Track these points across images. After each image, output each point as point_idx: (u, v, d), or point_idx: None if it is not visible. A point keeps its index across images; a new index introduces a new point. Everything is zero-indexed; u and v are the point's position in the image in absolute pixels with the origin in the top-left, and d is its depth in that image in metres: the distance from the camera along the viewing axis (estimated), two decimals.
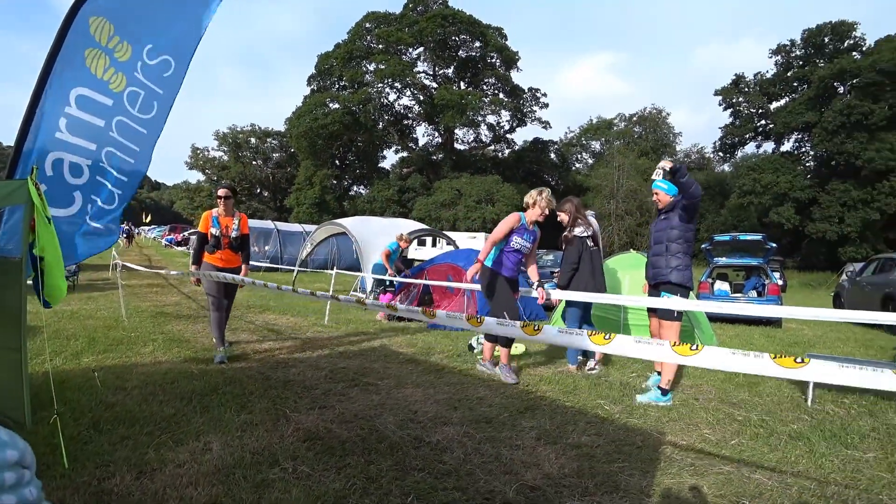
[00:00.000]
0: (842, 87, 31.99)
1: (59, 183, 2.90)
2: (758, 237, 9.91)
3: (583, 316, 4.73)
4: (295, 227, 21.27)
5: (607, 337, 1.22)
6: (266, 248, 18.44)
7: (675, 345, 1.11)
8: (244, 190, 49.53)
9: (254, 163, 52.62)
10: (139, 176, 3.34)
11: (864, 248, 28.06)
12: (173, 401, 3.25)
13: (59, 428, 2.33)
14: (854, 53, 32.58)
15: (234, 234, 4.63)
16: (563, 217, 4.74)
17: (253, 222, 21.25)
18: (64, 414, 2.77)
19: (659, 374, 4.15)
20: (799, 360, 1.02)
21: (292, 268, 12.93)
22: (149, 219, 43.24)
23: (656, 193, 4.09)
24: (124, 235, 26.99)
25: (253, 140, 52.31)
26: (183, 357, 4.51)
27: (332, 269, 9.50)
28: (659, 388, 3.78)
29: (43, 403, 2.81)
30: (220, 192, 4.68)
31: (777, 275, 11.80)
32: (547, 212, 4.37)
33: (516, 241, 4.29)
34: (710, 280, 9.82)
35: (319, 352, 5.07)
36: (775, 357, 1.03)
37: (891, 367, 3.68)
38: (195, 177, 54.37)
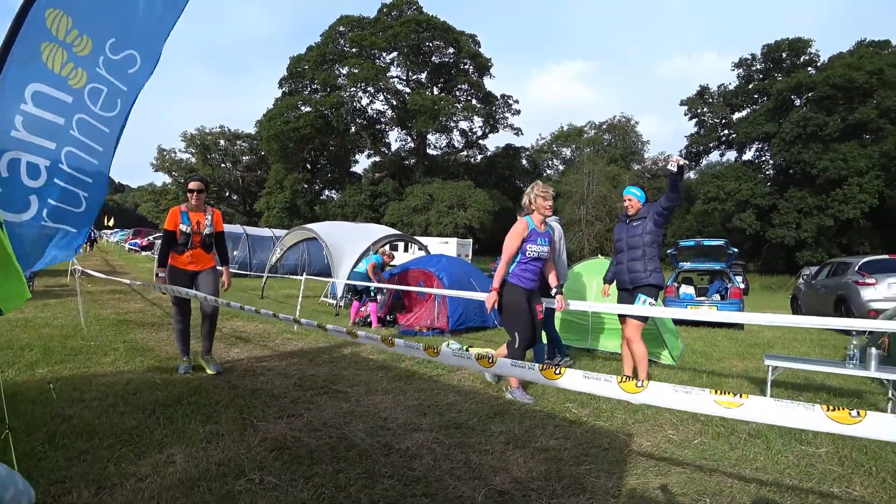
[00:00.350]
0: (798, 100, 33.59)
1: (14, 185, 2.77)
2: (721, 242, 10.29)
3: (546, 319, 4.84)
4: (265, 231, 20.91)
5: (557, 371, 1.31)
6: (235, 253, 18.04)
7: (621, 381, 1.20)
8: (212, 193, 48.37)
9: (222, 165, 51.50)
10: (104, 176, 3.21)
11: (820, 253, 29.41)
12: (135, 412, 3.15)
13: (11, 443, 2.23)
14: (809, 68, 34.29)
15: (206, 231, 4.23)
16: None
17: (238, 230, 20.79)
18: (17, 429, 2.65)
19: (627, 377, 4.26)
20: (738, 397, 1.09)
21: (261, 274, 12.70)
22: (111, 222, 41.72)
23: (629, 199, 4.21)
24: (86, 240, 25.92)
25: (222, 142, 51.21)
26: (146, 367, 4.37)
27: (302, 274, 9.33)
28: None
29: None
30: (192, 184, 4.26)
31: (739, 278, 12.24)
32: (550, 201, 3.98)
33: (532, 249, 3.83)
34: (675, 284, 10.12)
35: (288, 359, 4.99)
36: (715, 394, 1.10)
37: (838, 365, 3.82)
38: (161, 179, 52.73)
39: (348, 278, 8.45)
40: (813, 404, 1.15)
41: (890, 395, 3.92)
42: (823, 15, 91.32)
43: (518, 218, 4.09)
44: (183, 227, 4.16)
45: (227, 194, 52.41)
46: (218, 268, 4.45)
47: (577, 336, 6.19)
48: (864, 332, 5.26)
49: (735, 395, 1.12)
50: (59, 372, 4.05)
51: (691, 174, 44.39)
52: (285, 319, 2.93)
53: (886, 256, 9.94)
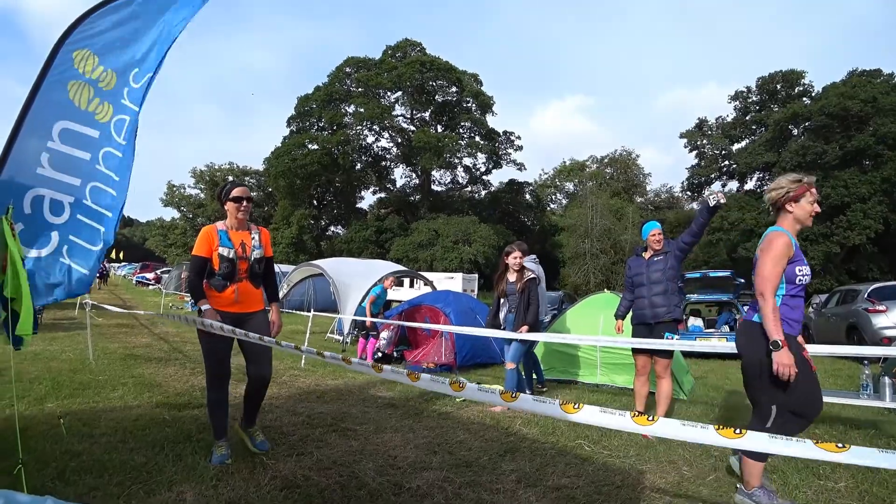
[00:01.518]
0: (796, 130, 34.06)
1: (36, 221, 2.84)
2: (727, 273, 10.27)
3: (526, 351, 5.09)
4: None
5: (576, 406, 1.36)
6: None
7: (634, 416, 1.25)
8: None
9: None
10: (120, 208, 3.21)
11: (828, 281, 29.14)
12: (144, 449, 3.14)
13: (24, 478, 2.23)
14: (804, 99, 34.91)
15: (255, 256, 3.13)
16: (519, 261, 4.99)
17: None
18: (28, 463, 2.65)
19: (639, 412, 4.23)
20: (738, 431, 1.16)
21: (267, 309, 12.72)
22: (121, 255, 42.10)
23: (660, 234, 4.21)
24: (98, 275, 26.08)
25: (230, 178, 52.12)
26: (154, 402, 4.36)
27: (308, 310, 9.35)
28: None
29: (2, 453, 2.69)
30: (237, 190, 3.11)
31: (746, 308, 12.14)
32: (815, 207, 2.76)
33: (803, 273, 2.65)
34: (683, 317, 10.05)
35: (296, 396, 4.97)
36: (719, 429, 1.18)
37: (852, 396, 3.75)
38: (170, 214, 53.44)
39: (356, 314, 8.44)
40: (707, 425, 1.23)
41: None
42: (815, 47, 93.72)
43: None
44: (223, 252, 3.04)
45: None
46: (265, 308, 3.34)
47: (586, 371, 6.13)
48: (878, 361, 5.19)
49: (735, 429, 1.18)
50: (68, 406, 4.06)
51: (693, 205, 44.62)
52: (308, 352, 2.94)
53: (895, 283, 9.88)
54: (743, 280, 10.59)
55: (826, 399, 4.09)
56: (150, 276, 31.33)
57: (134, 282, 32.76)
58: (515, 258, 4.94)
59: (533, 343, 5.02)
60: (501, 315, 5.02)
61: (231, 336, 2.76)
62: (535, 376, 5.52)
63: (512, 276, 4.97)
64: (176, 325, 11.63)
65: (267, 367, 3.23)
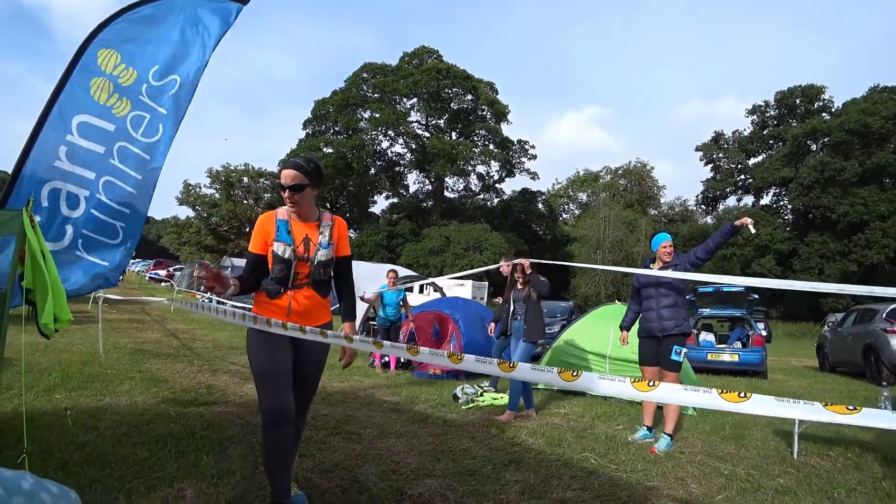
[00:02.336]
0: (814, 145, 33.58)
1: (52, 214, 2.87)
2: (740, 288, 10.09)
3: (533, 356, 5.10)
4: None
5: (574, 373, 1.29)
6: None
7: (634, 381, 1.20)
8: (234, 228, 49.41)
9: (245, 202, 52.79)
10: (142, 207, 3.21)
11: (845, 299, 28.56)
12: (148, 444, 3.14)
13: (27, 467, 2.23)
14: (824, 114, 34.44)
15: (321, 257, 2.35)
16: (506, 268, 5.08)
17: (240, 261, 21.12)
18: (32, 453, 2.66)
19: (648, 428, 4.16)
20: (742, 395, 1.12)
21: None
22: (135, 252, 42.74)
23: (671, 246, 4.17)
24: None
25: (246, 179, 52.69)
26: (161, 398, 4.38)
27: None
28: (667, 433, 3.93)
29: (9, 441, 2.70)
30: (283, 175, 2.32)
31: (761, 325, 11.94)
32: None
33: None
34: (695, 331, 9.90)
35: None
36: (722, 392, 1.13)
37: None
38: (185, 212, 54.08)
39: (375, 320, 8.14)
40: (710, 389, 1.18)
41: None
42: (836, 62, 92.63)
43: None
44: (278, 249, 2.30)
45: (248, 230, 53.51)
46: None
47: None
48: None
49: (739, 393, 1.14)
50: (75, 398, 4.09)
51: (707, 219, 44.11)
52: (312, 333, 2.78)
53: None
54: (756, 296, 10.41)
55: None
56: (163, 273, 31.72)
57: (147, 278, 33.18)
58: (504, 266, 5.10)
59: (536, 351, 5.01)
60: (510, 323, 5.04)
61: (287, 351, 2.28)
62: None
63: (519, 284, 4.97)
64: (187, 321, 11.73)
65: (300, 417, 2.43)
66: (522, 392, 4.81)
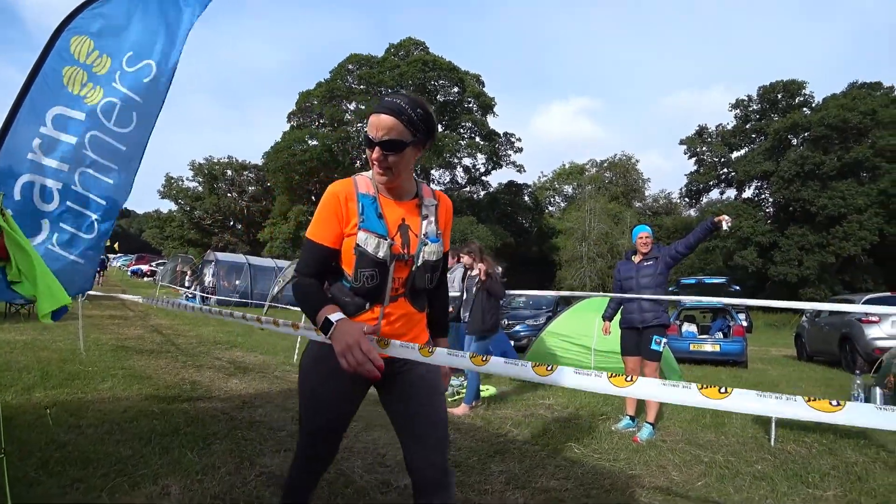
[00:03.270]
0: (795, 140, 34.18)
1: (26, 210, 2.79)
2: (722, 280, 10.32)
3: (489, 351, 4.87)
4: (267, 261, 21.01)
5: (549, 368, 1.26)
6: (237, 282, 18.08)
7: (611, 377, 1.18)
8: (217, 222, 48.80)
9: (229, 195, 52.10)
10: (119, 200, 3.14)
11: (823, 290, 29.28)
12: (131, 441, 3.11)
13: (6, 468, 2.20)
14: (805, 109, 35.04)
15: (428, 254, 1.57)
16: (468, 260, 4.91)
17: (225, 255, 20.91)
18: (11, 453, 2.61)
19: (631, 417, 4.25)
20: (723, 390, 1.10)
21: (263, 303, 12.69)
22: (116, 246, 41.94)
23: (648, 237, 4.26)
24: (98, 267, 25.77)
25: (229, 172, 51.96)
26: (143, 395, 4.33)
27: None
28: (648, 423, 4.02)
29: None
30: (379, 121, 1.43)
31: (742, 316, 12.18)
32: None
33: None
34: (678, 322, 10.08)
35: (287, 392, 4.94)
36: (701, 388, 1.11)
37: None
38: (167, 206, 53.23)
39: None
40: (690, 384, 1.15)
41: None
42: (816, 58, 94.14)
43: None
44: (365, 242, 1.49)
45: (232, 224, 52.85)
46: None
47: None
48: (870, 371, 5.21)
49: (720, 388, 1.12)
50: (55, 397, 4.02)
51: (691, 211, 44.73)
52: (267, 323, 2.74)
53: (889, 294, 9.92)
54: (738, 288, 10.63)
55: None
56: (145, 268, 31.23)
57: (129, 273, 32.64)
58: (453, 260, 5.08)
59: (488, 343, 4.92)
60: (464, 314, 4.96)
61: (363, 386, 1.64)
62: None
63: (473, 272, 4.86)
64: (171, 316, 11.58)
65: (439, 453, 1.59)
66: (476, 384, 4.78)
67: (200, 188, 51.29)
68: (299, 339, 7.27)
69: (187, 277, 20.82)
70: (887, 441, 4.15)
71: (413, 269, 1.55)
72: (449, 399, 5.06)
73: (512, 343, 8.09)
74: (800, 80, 36.06)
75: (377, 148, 1.44)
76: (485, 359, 1.34)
